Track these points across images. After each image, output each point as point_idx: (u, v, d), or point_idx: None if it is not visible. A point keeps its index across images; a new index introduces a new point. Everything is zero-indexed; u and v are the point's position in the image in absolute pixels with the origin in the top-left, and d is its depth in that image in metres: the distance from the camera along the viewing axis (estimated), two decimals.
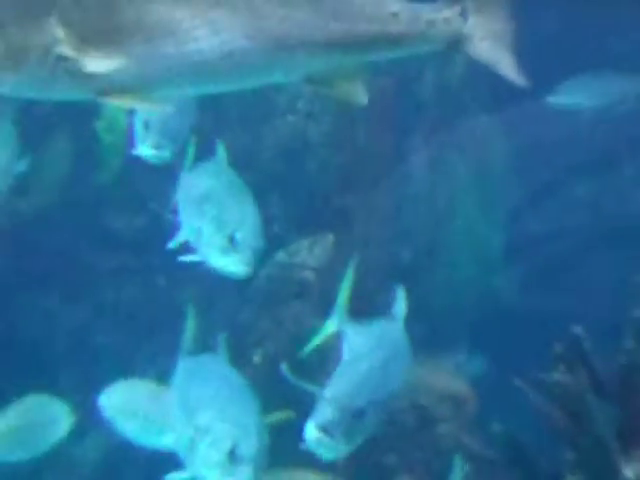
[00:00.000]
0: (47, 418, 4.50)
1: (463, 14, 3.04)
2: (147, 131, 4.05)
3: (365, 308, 5.03)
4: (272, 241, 4.85)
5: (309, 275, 5.12)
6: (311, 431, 3.24)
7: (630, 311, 3.47)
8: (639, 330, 3.41)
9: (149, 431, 4.20)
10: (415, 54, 3.16)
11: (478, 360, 5.26)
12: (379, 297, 5.15)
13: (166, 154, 4.09)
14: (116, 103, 2.79)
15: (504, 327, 5.21)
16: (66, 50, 2.69)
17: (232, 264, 3.90)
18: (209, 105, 4.67)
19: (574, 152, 5.47)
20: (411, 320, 5.22)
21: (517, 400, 3.56)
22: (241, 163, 4.81)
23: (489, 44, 3.06)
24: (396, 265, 5.37)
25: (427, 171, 5.54)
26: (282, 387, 4.58)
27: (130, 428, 4.27)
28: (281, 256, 5.18)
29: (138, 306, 5.44)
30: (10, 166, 5.12)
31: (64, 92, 2.82)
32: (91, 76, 2.71)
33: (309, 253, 5.16)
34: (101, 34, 2.72)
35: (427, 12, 3.02)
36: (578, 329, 3.47)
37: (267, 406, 4.08)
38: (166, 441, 3.79)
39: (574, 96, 5.43)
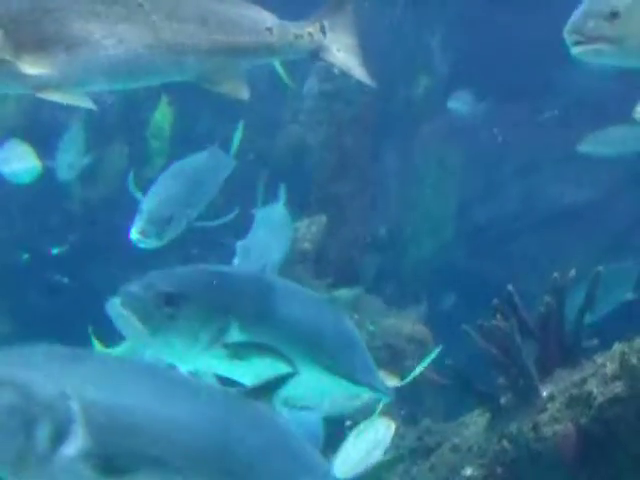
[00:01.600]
0: None
1: (322, 30, 3.02)
2: None
3: (351, 271, 5.18)
4: None
5: (308, 246, 5.17)
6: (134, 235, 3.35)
7: (549, 274, 3.57)
8: (555, 288, 3.54)
9: None
10: (287, 60, 3.10)
11: (446, 300, 5.27)
12: (362, 263, 5.30)
13: None
14: (56, 99, 2.73)
15: (455, 285, 5.27)
16: (4, 55, 2.70)
17: None
18: (233, 118, 4.73)
19: (507, 156, 5.56)
20: (384, 282, 5.33)
21: (465, 340, 3.68)
22: (259, 160, 4.92)
23: (344, 54, 3.04)
24: (374, 239, 5.43)
25: (398, 167, 5.61)
26: None
27: None
28: None
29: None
30: (76, 161, 5.16)
31: (9, 88, 2.81)
32: (25, 76, 2.70)
33: (308, 230, 5.21)
34: (32, 43, 2.71)
35: (294, 27, 2.98)
36: (510, 287, 3.57)
37: None
38: None
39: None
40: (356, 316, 4.86)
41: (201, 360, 2.57)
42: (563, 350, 3.51)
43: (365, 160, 5.44)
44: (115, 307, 2.49)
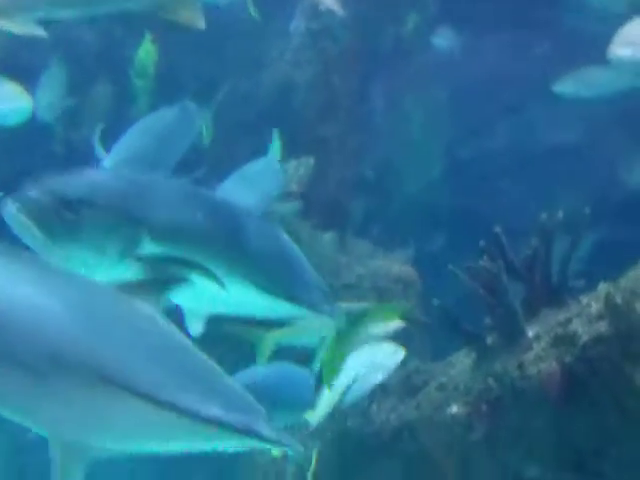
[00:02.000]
0: None
1: None
2: None
3: (339, 213, 5.22)
4: None
5: (295, 187, 5.13)
6: None
7: (537, 216, 3.64)
8: (542, 230, 3.62)
9: None
10: None
11: (434, 241, 5.35)
12: (350, 205, 5.34)
13: None
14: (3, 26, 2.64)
15: (443, 225, 5.36)
16: None
17: None
18: (216, 56, 4.66)
19: (495, 93, 5.55)
20: (372, 224, 5.38)
21: (453, 280, 3.76)
22: (243, 101, 4.88)
23: None
24: (361, 180, 5.47)
25: (385, 106, 5.61)
26: None
27: None
28: None
29: None
30: (56, 101, 5.08)
31: None
32: None
33: (295, 171, 5.19)
34: None
35: None
36: (498, 228, 3.64)
37: None
38: None
39: None
40: (344, 258, 4.95)
41: (113, 273, 2.33)
42: (549, 290, 3.58)
43: (353, 99, 5.43)
44: (10, 212, 2.23)
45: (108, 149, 3.87)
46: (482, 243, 3.63)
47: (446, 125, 5.61)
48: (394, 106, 5.64)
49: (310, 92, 5.40)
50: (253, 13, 3.31)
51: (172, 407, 2.02)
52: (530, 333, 3.46)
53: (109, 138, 4.42)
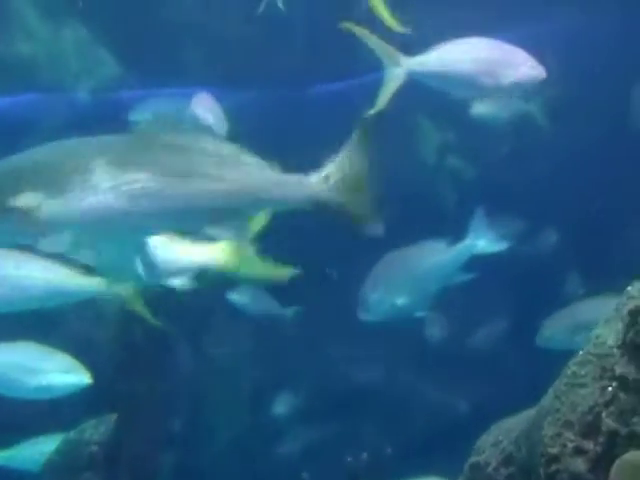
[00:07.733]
0: None
1: None
2: None
3: (146, 471, 5.22)
4: None
5: (95, 449, 5.13)
6: None
7: None
8: (348, 471, 3.99)
9: None
10: None
11: None
12: (158, 460, 5.40)
13: None
14: None
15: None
16: None
17: None
18: None
19: None
20: (184, 475, 5.38)
21: None
22: None
23: None
24: (170, 436, 5.54)
25: (191, 357, 5.84)
26: None
27: None
28: (71, 434, 5.19)
29: None
30: None
31: None
32: None
33: (95, 431, 5.19)
34: None
35: None
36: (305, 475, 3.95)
37: None
38: None
39: None
40: None
41: None
42: None
43: (157, 353, 5.54)
44: None
45: None
46: None
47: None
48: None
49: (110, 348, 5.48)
50: None
51: None
52: None
53: None
